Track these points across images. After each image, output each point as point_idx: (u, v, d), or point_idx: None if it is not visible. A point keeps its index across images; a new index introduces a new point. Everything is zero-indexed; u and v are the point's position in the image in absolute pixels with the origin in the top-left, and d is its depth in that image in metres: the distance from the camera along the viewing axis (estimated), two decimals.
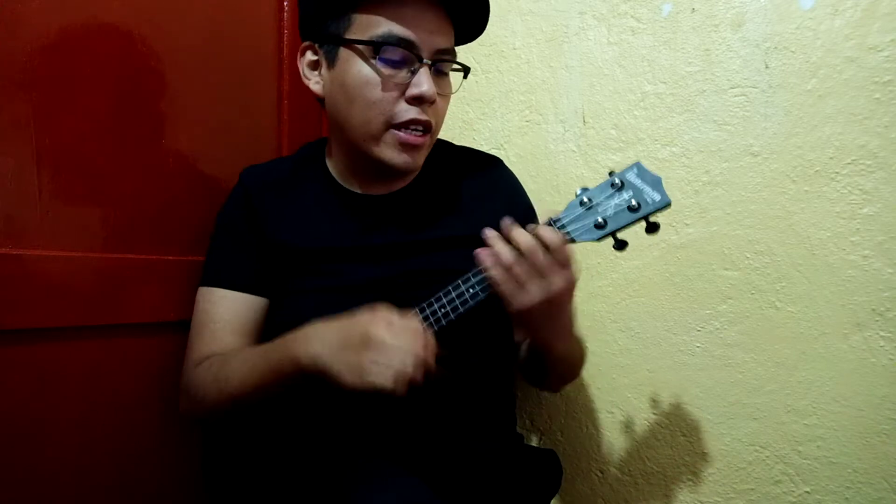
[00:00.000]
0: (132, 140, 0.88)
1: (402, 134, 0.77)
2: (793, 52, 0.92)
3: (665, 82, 1.01)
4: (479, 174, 0.91)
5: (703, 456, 1.00)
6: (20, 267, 0.74)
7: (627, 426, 1.05)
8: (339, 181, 0.87)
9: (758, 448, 0.96)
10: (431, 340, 0.68)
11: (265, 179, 0.89)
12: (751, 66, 0.95)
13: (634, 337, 1.04)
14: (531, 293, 0.67)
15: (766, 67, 0.94)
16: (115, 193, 0.86)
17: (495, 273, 0.68)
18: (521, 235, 0.67)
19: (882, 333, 0.88)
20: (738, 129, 0.96)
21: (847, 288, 0.90)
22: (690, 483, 1.01)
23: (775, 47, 0.93)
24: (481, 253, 0.69)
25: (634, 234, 0.70)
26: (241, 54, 1.06)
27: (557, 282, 0.67)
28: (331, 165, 0.88)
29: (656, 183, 0.67)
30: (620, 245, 0.69)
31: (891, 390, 0.88)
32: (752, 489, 0.97)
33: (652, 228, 0.68)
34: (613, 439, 1.07)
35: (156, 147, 0.91)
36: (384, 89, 0.76)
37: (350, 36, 0.76)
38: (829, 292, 0.91)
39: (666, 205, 0.66)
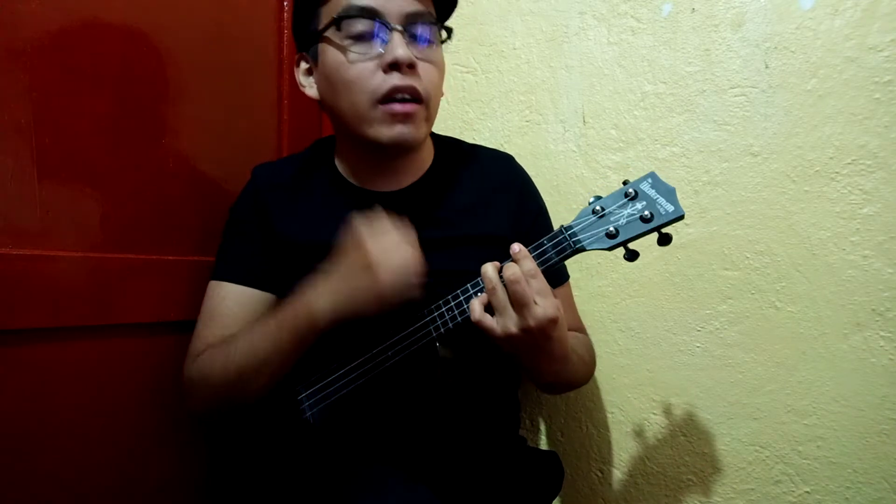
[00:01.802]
0: (132, 140, 0.88)
1: (389, 106, 0.75)
2: (793, 52, 0.92)
3: (665, 82, 1.01)
4: (490, 172, 0.89)
5: (703, 456, 1.00)
6: (20, 267, 0.74)
7: (627, 426, 1.05)
8: (348, 178, 0.87)
9: (758, 448, 0.96)
10: (408, 229, 0.72)
11: (275, 176, 0.89)
12: (751, 66, 0.95)
13: (634, 337, 1.04)
14: (508, 324, 0.67)
15: (766, 67, 0.94)
16: (114, 193, 0.86)
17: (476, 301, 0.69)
18: (508, 268, 0.67)
19: (882, 333, 0.88)
20: (738, 129, 0.96)
21: (847, 288, 0.90)
22: (691, 483, 1.01)
23: (775, 47, 0.93)
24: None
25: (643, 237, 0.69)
26: (241, 54, 1.06)
27: (531, 317, 0.65)
28: (339, 162, 0.88)
29: (670, 194, 0.67)
30: (632, 255, 0.68)
31: (891, 390, 0.88)
32: (752, 489, 0.97)
33: (664, 240, 0.67)
34: (613, 439, 1.06)
35: (155, 147, 0.91)
36: (359, 66, 0.75)
37: (320, 28, 0.77)
38: (829, 292, 0.91)
39: (679, 216, 0.66)
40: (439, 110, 0.86)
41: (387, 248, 0.68)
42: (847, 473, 0.91)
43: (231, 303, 0.84)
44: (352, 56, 0.75)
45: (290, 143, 1.14)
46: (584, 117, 1.08)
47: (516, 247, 0.68)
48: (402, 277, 0.68)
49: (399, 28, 0.74)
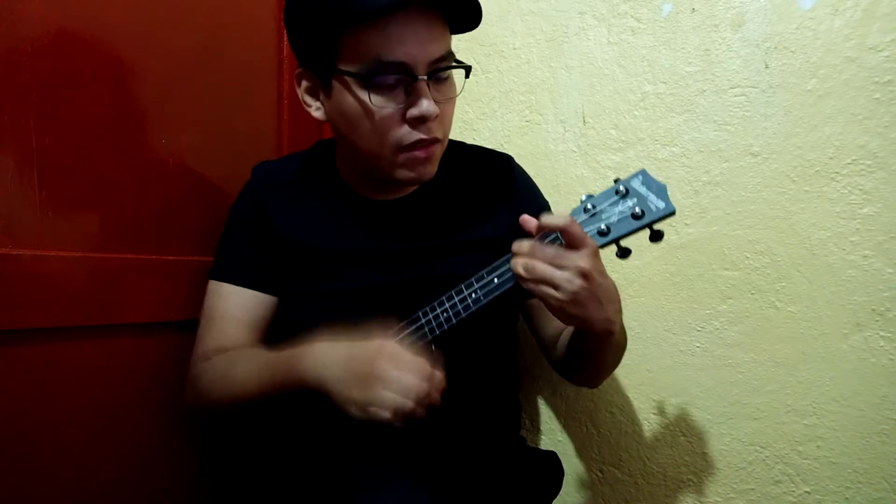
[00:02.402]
0: (132, 140, 0.88)
1: (410, 154, 0.75)
2: (793, 52, 0.92)
3: (665, 82, 1.01)
4: (490, 175, 0.89)
5: (703, 456, 1.00)
6: (20, 267, 0.74)
7: (627, 426, 1.05)
8: (349, 185, 0.86)
9: (758, 448, 0.96)
10: (438, 376, 0.67)
11: (276, 176, 0.89)
12: (751, 66, 0.95)
13: (634, 337, 1.04)
14: (566, 285, 0.63)
15: (766, 67, 0.94)
16: (114, 193, 0.86)
17: (531, 285, 0.65)
18: (524, 244, 0.66)
19: (882, 333, 0.88)
20: (738, 129, 0.96)
21: (847, 288, 0.90)
22: (690, 483, 1.01)
23: (775, 47, 0.93)
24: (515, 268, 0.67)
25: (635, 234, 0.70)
26: (241, 54, 1.06)
27: (580, 260, 0.63)
28: (340, 168, 0.88)
29: (661, 191, 0.66)
30: (624, 253, 0.68)
31: (891, 390, 0.88)
32: (752, 489, 0.97)
33: (656, 237, 0.67)
34: (613, 439, 1.06)
35: (155, 147, 0.91)
36: (383, 117, 0.72)
37: (341, 65, 0.72)
38: (829, 292, 0.91)
39: (670, 213, 0.66)
40: None
41: (397, 383, 0.64)
42: (847, 473, 0.91)
43: (230, 305, 0.84)
44: (374, 107, 0.72)
45: (290, 143, 1.14)
46: (584, 117, 1.08)
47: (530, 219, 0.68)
48: (389, 414, 0.64)
49: (425, 78, 0.71)
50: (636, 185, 0.68)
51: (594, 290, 0.64)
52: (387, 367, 0.64)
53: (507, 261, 0.70)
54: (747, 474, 0.97)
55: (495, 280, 0.70)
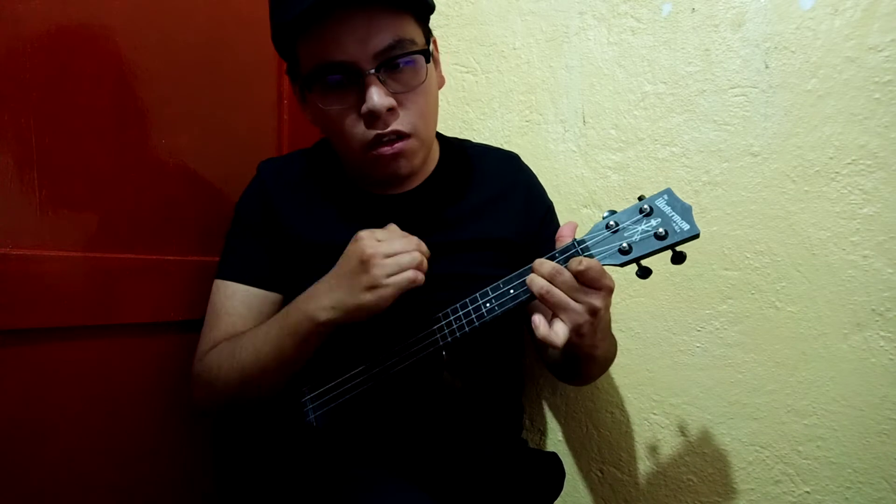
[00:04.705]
0: (132, 140, 0.88)
1: (377, 151, 0.75)
2: (793, 52, 0.92)
3: (665, 82, 1.01)
4: (495, 174, 0.89)
5: (703, 456, 1.00)
6: (20, 267, 0.73)
7: (627, 426, 1.05)
8: (353, 181, 0.87)
9: (758, 448, 0.96)
10: (421, 242, 0.70)
11: (282, 173, 0.89)
12: (751, 66, 0.95)
13: (634, 337, 1.04)
14: (574, 317, 0.64)
15: (766, 67, 0.94)
16: (114, 193, 0.86)
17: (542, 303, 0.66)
18: (545, 266, 0.66)
19: (882, 333, 0.88)
20: (738, 129, 0.96)
21: (847, 288, 0.90)
22: (691, 483, 1.01)
23: (775, 47, 0.93)
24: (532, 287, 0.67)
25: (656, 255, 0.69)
26: (241, 54, 1.06)
27: (596, 300, 0.64)
28: (345, 164, 0.88)
29: (686, 212, 0.65)
30: (644, 272, 0.66)
31: (891, 390, 0.88)
32: (752, 489, 0.97)
33: (678, 258, 0.65)
34: (613, 439, 1.07)
35: (155, 147, 0.91)
36: (342, 117, 0.74)
37: (302, 72, 0.76)
38: (829, 292, 0.91)
39: (694, 235, 0.64)
40: (439, 111, 0.86)
41: (383, 243, 0.68)
42: (847, 473, 0.91)
43: (237, 303, 0.84)
44: (332, 110, 0.74)
45: (290, 142, 1.14)
46: (584, 117, 1.08)
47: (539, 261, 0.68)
48: (397, 269, 0.67)
49: (372, 72, 0.71)
50: (661, 204, 0.66)
51: (596, 325, 0.66)
52: (374, 248, 0.67)
53: (523, 274, 0.69)
54: (747, 474, 0.97)
55: (511, 291, 0.70)
